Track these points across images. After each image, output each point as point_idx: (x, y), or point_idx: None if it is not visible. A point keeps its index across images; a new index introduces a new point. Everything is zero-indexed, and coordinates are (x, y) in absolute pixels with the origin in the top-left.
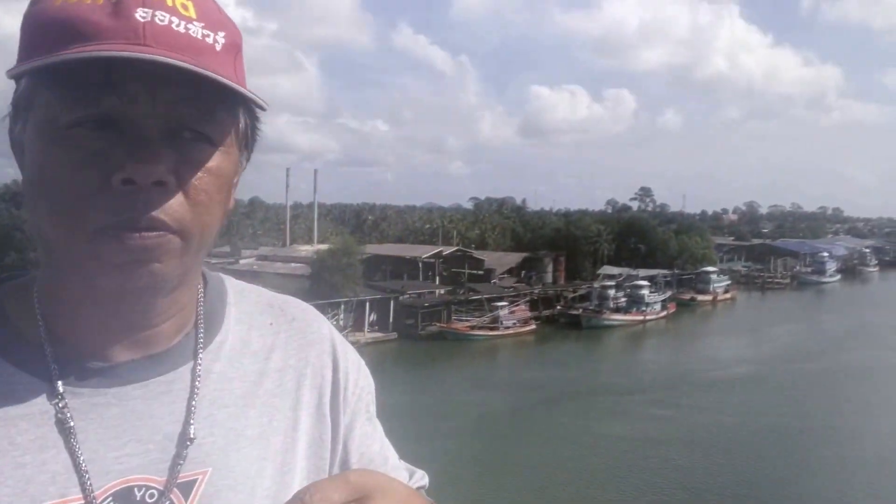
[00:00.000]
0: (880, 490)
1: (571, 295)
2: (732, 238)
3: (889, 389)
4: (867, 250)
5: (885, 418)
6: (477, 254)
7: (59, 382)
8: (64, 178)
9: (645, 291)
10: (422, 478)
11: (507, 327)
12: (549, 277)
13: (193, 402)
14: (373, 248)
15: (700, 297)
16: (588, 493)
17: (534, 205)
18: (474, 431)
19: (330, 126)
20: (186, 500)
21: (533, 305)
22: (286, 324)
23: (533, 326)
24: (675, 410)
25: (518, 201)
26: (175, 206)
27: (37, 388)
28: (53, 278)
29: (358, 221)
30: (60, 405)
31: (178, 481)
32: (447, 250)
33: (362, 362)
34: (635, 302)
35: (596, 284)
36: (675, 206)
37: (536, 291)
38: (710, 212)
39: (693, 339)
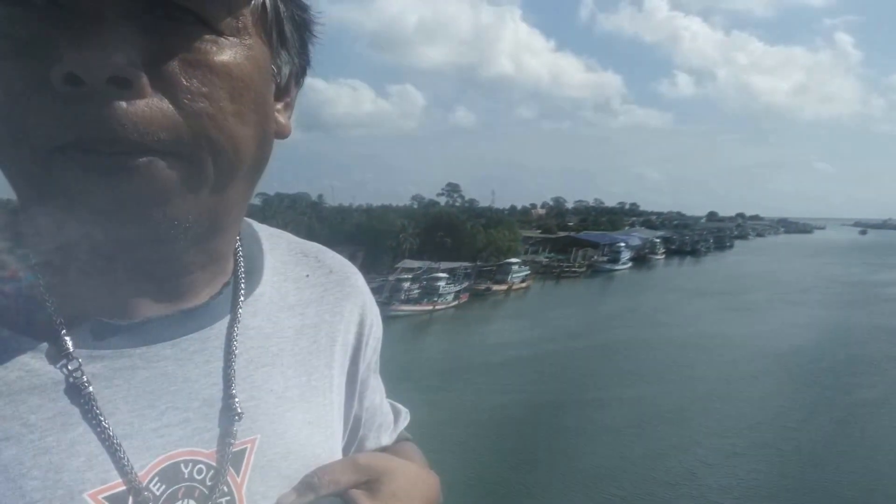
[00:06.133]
0: (633, 451)
1: None
2: (540, 231)
3: (641, 361)
4: (657, 240)
5: (641, 386)
6: None
7: (71, 344)
8: None
9: (441, 283)
10: (405, 416)
11: None
12: None
13: (233, 363)
14: None
15: (495, 287)
16: None
17: (332, 200)
18: None
19: None
20: (238, 473)
21: None
22: (323, 276)
23: None
24: (448, 394)
25: (314, 197)
26: (153, 113)
27: (46, 354)
28: (34, 216)
29: None
30: (79, 372)
31: (228, 452)
32: None
33: (378, 312)
34: (428, 293)
35: (391, 277)
36: (484, 202)
37: None
38: (519, 207)
39: (477, 326)
